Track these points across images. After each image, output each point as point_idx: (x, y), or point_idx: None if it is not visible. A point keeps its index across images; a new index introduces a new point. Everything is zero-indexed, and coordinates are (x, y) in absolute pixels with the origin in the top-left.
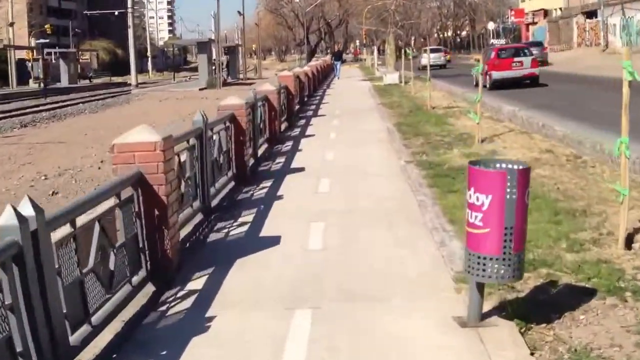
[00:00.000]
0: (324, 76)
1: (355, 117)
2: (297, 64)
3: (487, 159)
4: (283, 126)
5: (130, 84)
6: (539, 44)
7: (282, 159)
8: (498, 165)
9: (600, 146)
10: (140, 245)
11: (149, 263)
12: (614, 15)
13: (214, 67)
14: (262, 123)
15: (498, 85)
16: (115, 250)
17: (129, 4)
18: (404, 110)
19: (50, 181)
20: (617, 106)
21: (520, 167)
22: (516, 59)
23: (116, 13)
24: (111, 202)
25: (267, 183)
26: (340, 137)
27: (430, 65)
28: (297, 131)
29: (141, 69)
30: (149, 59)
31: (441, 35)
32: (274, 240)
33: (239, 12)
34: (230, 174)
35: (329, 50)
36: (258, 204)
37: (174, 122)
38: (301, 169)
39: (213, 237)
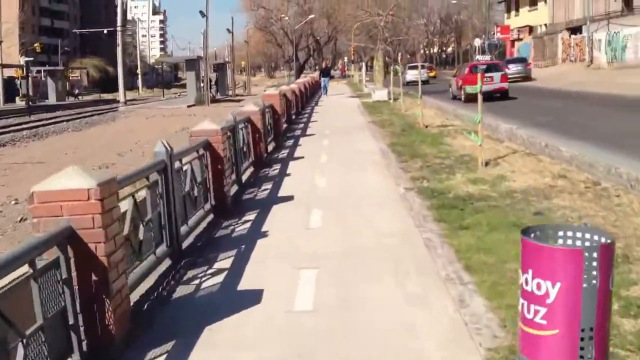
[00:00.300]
0: (312, 93)
1: (346, 137)
2: (287, 80)
3: (545, 225)
4: (270, 147)
5: (119, 101)
6: (522, 60)
7: (269, 185)
8: (562, 232)
9: (616, 170)
10: (71, 322)
11: (84, 344)
12: (599, 31)
13: (202, 84)
14: (246, 146)
15: (471, 99)
16: (25, 341)
17: (118, 22)
18: (396, 129)
19: (20, 206)
20: (613, 122)
21: (602, 239)
22: (487, 74)
23: (105, 31)
24: (24, 269)
25: (251, 215)
26: (331, 159)
27: (414, 81)
28: (285, 153)
29: (132, 86)
30: (139, 76)
31: (427, 52)
32: (254, 297)
33: (228, 29)
34: (208, 206)
35: (317, 67)
36: (239, 244)
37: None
38: (290, 198)
39: (180, 291)
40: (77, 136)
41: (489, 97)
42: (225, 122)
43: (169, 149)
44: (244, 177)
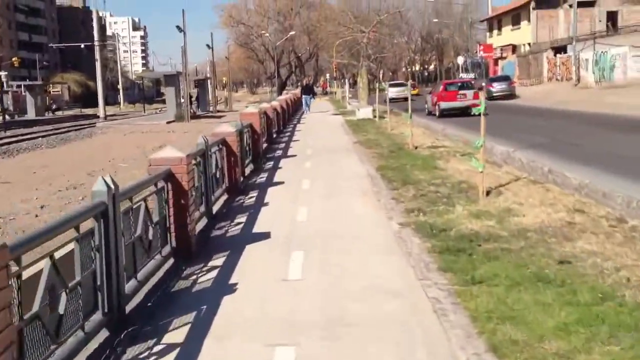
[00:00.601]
0: (294, 110)
1: (330, 159)
2: (269, 97)
3: None
4: (248, 170)
5: (99, 117)
6: (506, 78)
7: (243, 217)
8: None
9: (638, 204)
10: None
11: None
12: (585, 50)
13: (183, 100)
14: (220, 171)
15: (446, 114)
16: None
17: (95, 37)
18: (383, 150)
19: None
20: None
21: None
22: (461, 92)
23: (82, 46)
24: None
25: (219, 259)
26: (314, 185)
27: (394, 98)
28: (263, 177)
29: (114, 101)
30: (120, 91)
31: (409, 70)
32: None
33: (207, 45)
34: (167, 249)
35: (299, 83)
36: (200, 303)
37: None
38: (266, 235)
39: None
40: (50, 153)
41: (463, 113)
42: (197, 145)
43: (112, 186)
44: (216, 207)
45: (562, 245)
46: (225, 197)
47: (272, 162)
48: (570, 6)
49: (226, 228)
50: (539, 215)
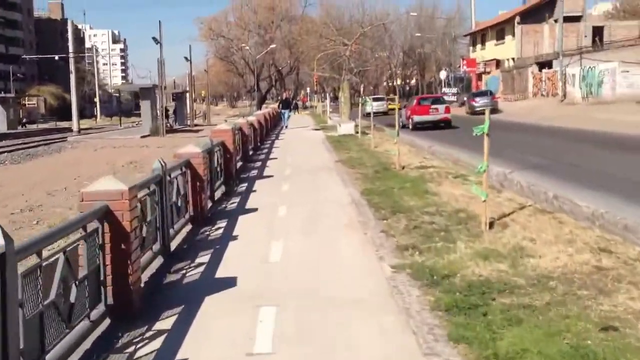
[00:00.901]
0: (272, 125)
1: (310, 180)
2: (249, 110)
3: None
4: (219, 193)
5: (74, 130)
6: (489, 93)
7: (206, 256)
8: None
9: None
10: None
11: None
12: (571, 66)
13: (159, 114)
14: (182, 198)
15: (419, 127)
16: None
17: (70, 49)
18: (368, 170)
19: None
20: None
21: None
22: (433, 106)
23: (57, 58)
24: None
25: (168, 320)
26: (291, 212)
27: (374, 113)
28: (235, 202)
29: (91, 114)
30: (97, 104)
31: (390, 84)
32: None
33: (185, 57)
34: (100, 310)
35: (279, 97)
36: None
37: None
38: (230, 283)
39: None
40: (12, 170)
41: (435, 125)
42: (152, 170)
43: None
44: (177, 242)
45: (598, 302)
46: (189, 228)
47: (246, 184)
48: (556, 21)
49: (184, 271)
50: (559, 257)
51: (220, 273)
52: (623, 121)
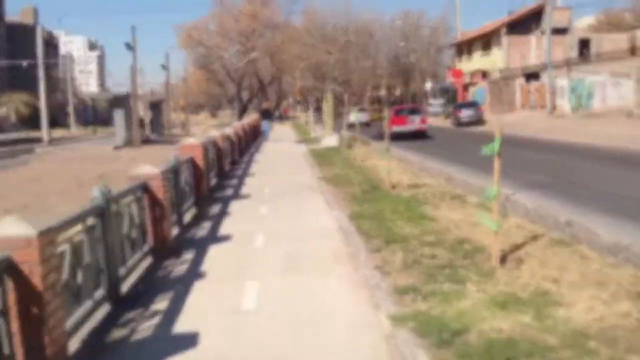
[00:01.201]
0: (252, 137)
1: (292, 202)
2: (230, 120)
3: None
4: (189, 216)
5: (44, 140)
6: (474, 104)
7: (164, 302)
8: None
9: None
10: None
11: None
12: (559, 78)
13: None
14: (138, 229)
15: (396, 137)
16: None
17: (39, 55)
18: (355, 189)
19: None
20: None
21: None
22: (410, 117)
23: (25, 64)
24: None
25: None
26: (270, 243)
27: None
28: (206, 228)
29: (65, 123)
30: (71, 112)
31: (375, 94)
32: None
33: (162, 65)
34: None
35: (260, 108)
36: None
37: None
38: (190, 343)
39: None
40: None
41: (413, 135)
42: (91, 199)
43: None
44: (132, 280)
45: None
46: (148, 262)
47: (220, 205)
48: (543, 33)
49: (136, 322)
50: (593, 306)
51: (180, 327)
52: (621, 134)
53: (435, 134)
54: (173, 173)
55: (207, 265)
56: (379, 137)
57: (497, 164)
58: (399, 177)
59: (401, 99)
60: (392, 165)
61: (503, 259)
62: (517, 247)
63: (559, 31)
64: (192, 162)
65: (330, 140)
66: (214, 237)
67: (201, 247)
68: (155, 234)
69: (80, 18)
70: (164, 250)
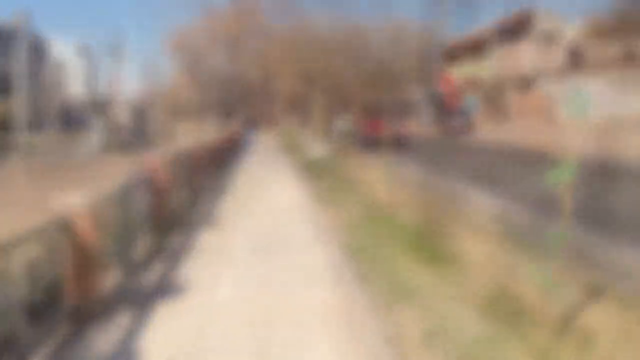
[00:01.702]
0: (235, 147)
1: (274, 230)
2: (215, 127)
3: None
4: (143, 251)
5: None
6: (465, 112)
7: None
8: None
9: None
10: None
11: None
12: (554, 86)
13: (120, 130)
14: (41, 291)
15: (371, 144)
16: None
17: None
18: (352, 212)
19: None
20: None
21: None
22: (389, 124)
23: None
24: None
25: None
26: (238, 299)
27: (346, 132)
28: (159, 271)
29: (50, 128)
30: (53, 119)
31: (363, 101)
32: None
33: (148, 71)
34: None
35: (246, 116)
36: None
37: None
38: None
39: None
40: None
41: (393, 142)
42: None
43: None
44: None
45: None
46: (64, 330)
47: (184, 237)
48: (535, 40)
49: None
50: None
51: None
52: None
53: (421, 144)
54: (124, 196)
55: (144, 341)
56: (365, 143)
57: (568, 199)
58: (396, 193)
59: (389, 107)
60: (379, 176)
61: (560, 330)
62: (573, 311)
63: (550, 38)
64: (150, 182)
65: (319, 150)
66: (164, 288)
67: (142, 305)
68: (78, 288)
69: (70, 22)
70: (91, 310)
